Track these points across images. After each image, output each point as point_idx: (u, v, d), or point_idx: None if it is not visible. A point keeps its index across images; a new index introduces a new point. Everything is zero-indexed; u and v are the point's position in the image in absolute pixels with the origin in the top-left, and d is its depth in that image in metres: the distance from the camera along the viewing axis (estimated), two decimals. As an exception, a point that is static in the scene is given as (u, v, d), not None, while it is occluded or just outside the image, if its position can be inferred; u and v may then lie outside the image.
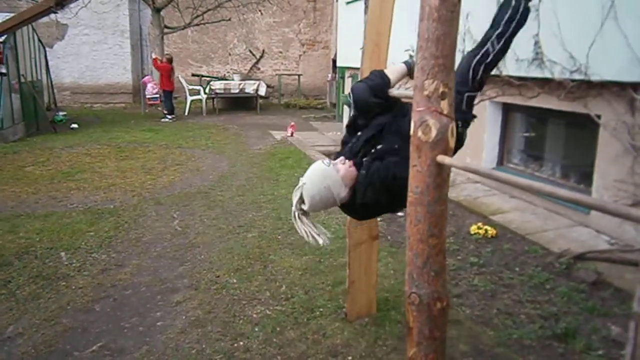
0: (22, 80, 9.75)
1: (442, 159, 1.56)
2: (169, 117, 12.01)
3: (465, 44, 5.79)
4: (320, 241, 2.21)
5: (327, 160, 2.29)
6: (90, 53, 14.93)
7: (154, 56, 12.79)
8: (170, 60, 12.29)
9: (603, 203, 1.25)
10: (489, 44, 2.29)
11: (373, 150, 2.26)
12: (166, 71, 12.05)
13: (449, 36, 1.54)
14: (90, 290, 3.47)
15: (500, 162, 5.95)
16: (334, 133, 10.27)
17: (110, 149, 8.48)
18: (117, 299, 3.37)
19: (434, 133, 1.56)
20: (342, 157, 2.29)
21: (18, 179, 6.40)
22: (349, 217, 2.77)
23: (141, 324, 3.06)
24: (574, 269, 3.66)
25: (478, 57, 2.30)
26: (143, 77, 13.79)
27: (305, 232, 2.23)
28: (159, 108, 12.81)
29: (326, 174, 2.20)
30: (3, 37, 8.83)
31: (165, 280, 3.63)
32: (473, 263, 3.86)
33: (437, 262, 1.66)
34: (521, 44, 5.00)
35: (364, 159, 2.26)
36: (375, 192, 2.15)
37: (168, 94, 12.10)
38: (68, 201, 5.52)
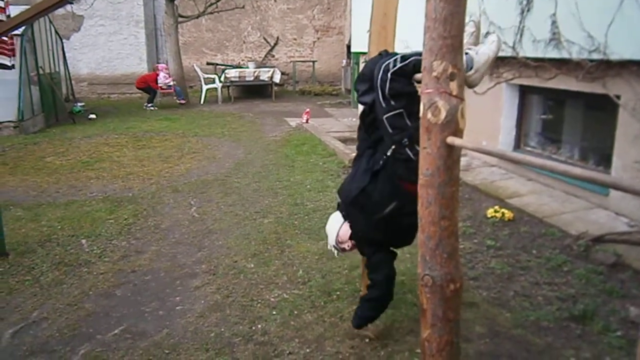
0: (41, 72, 9.88)
1: (452, 140, 1.56)
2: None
3: (481, 26, 5.69)
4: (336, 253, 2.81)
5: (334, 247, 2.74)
6: (106, 44, 15.07)
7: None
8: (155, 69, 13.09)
9: (618, 180, 1.23)
10: None
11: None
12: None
13: (456, 16, 1.52)
14: (111, 276, 3.55)
15: (517, 145, 5.87)
16: (349, 119, 10.23)
17: (127, 138, 8.60)
18: (137, 284, 3.45)
19: (443, 114, 1.56)
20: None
21: (39, 169, 6.54)
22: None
23: (161, 308, 3.13)
24: (592, 252, 3.62)
25: None
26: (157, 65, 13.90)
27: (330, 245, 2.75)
28: (174, 97, 12.90)
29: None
30: (21, 30, 8.94)
31: (183, 266, 3.69)
32: (490, 246, 3.85)
33: (449, 244, 1.67)
34: (538, 24, 4.92)
35: None
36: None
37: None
38: (88, 190, 5.62)
